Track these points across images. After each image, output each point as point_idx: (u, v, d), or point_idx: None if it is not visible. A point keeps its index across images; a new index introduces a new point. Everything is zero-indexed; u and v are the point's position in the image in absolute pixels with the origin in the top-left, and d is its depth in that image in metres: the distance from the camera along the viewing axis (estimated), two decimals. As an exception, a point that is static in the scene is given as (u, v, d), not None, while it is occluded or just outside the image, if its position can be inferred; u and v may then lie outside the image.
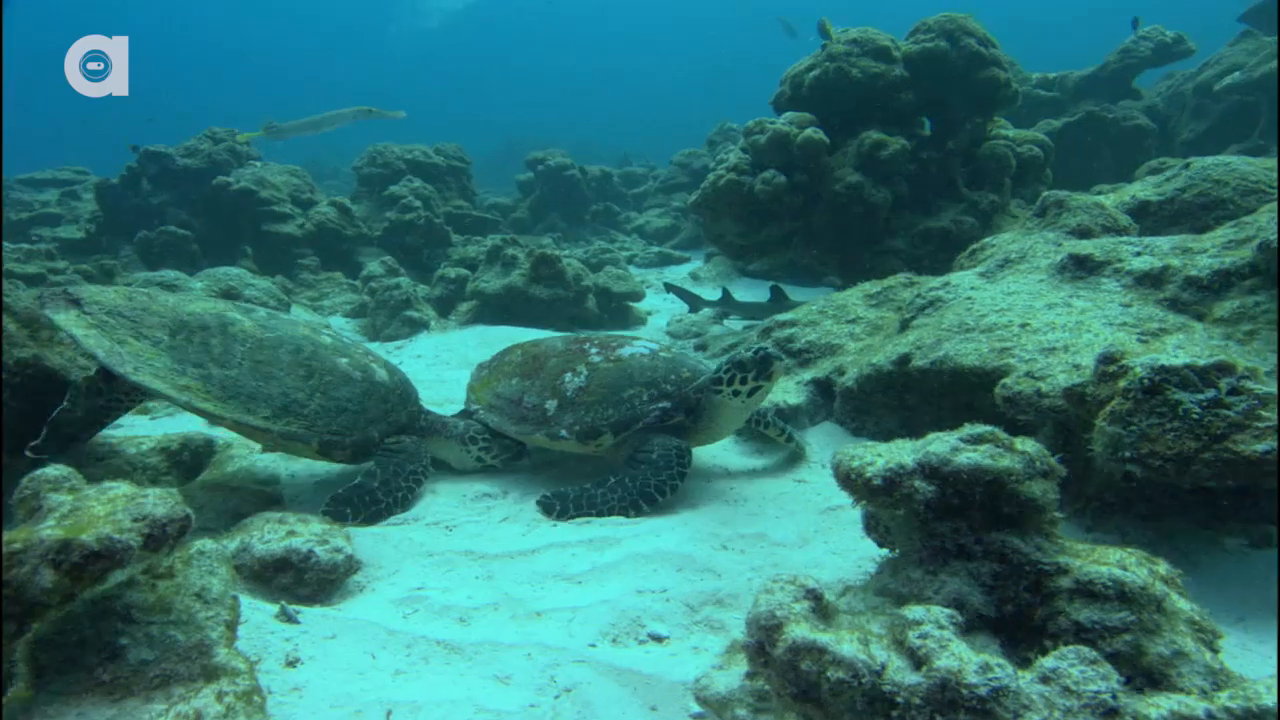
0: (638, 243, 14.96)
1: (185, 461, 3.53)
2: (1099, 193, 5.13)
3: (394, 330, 7.53)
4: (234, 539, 2.50)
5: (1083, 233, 3.74)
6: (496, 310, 8.01)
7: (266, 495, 3.15)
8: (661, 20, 73.30)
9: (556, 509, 3.18)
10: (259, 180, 8.92)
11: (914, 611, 1.79)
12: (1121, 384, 2.28)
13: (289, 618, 2.26)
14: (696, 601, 2.55)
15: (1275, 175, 3.99)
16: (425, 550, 2.84)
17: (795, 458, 3.89)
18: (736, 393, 3.28)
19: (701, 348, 6.59)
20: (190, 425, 4.06)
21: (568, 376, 3.61)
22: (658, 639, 2.40)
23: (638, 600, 2.54)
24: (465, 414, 3.90)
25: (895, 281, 4.77)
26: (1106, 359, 2.37)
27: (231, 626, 1.89)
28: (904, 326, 3.95)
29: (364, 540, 2.82)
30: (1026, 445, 2.00)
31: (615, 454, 3.54)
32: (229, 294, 5.68)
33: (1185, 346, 2.29)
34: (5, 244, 7.87)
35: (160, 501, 1.85)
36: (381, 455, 3.33)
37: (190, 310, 3.11)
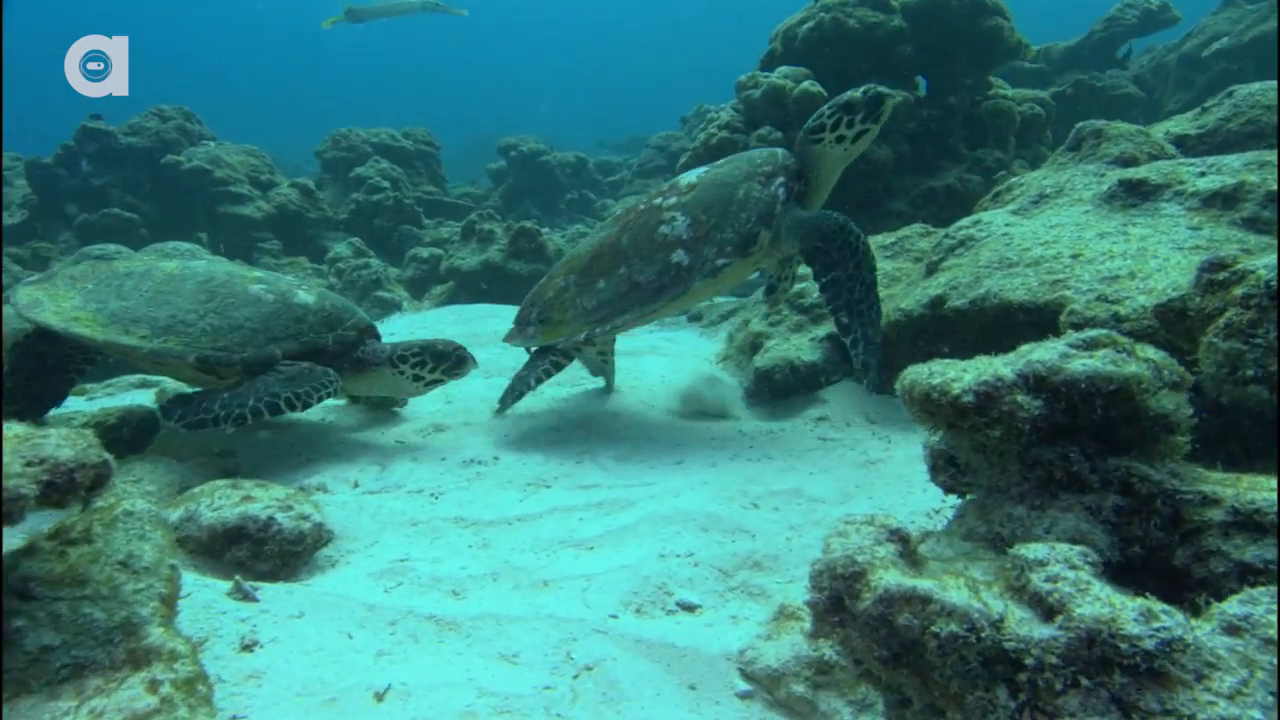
0: (617, 228, 14.55)
1: (125, 438, 3.06)
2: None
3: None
4: (178, 508, 2.05)
5: (1127, 161, 3.43)
6: (473, 289, 7.55)
7: (220, 467, 2.69)
8: (631, 9, 72.90)
9: None
10: (213, 159, 8.30)
11: (1034, 550, 1.42)
12: (1238, 291, 1.93)
13: (245, 595, 1.83)
14: (730, 565, 2.17)
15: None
16: (408, 519, 2.41)
17: (820, 417, 3.52)
18: (841, 138, 3.10)
19: (696, 318, 6.21)
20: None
21: (664, 229, 3.30)
22: (689, 608, 2.02)
23: (661, 565, 2.16)
24: (546, 351, 3.61)
25: (911, 232, 4.45)
26: (1214, 265, 2.02)
27: (168, 601, 1.45)
28: (931, 270, 3.60)
29: (334, 511, 2.39)
30: (1149, 351, 1.64)
31: (773, 254, 3.38)
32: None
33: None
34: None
35: (66, 443, 1.42)
36: (265, 374, 2.94)
37: (130, 265, 3.24)
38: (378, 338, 3.39)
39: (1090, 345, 1.64)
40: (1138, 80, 10.89)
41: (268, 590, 1.86)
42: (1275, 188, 2.66)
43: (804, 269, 3.78)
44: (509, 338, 3.73)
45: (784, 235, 3.26)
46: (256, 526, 1.96)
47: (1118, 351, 1.61)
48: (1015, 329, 3.03)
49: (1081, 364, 1.58)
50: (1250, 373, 1.90)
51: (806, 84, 5.88)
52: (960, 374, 1.72)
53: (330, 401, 3.16)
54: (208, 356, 2.92)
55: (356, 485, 2.69)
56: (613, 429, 3.44)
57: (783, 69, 6.11)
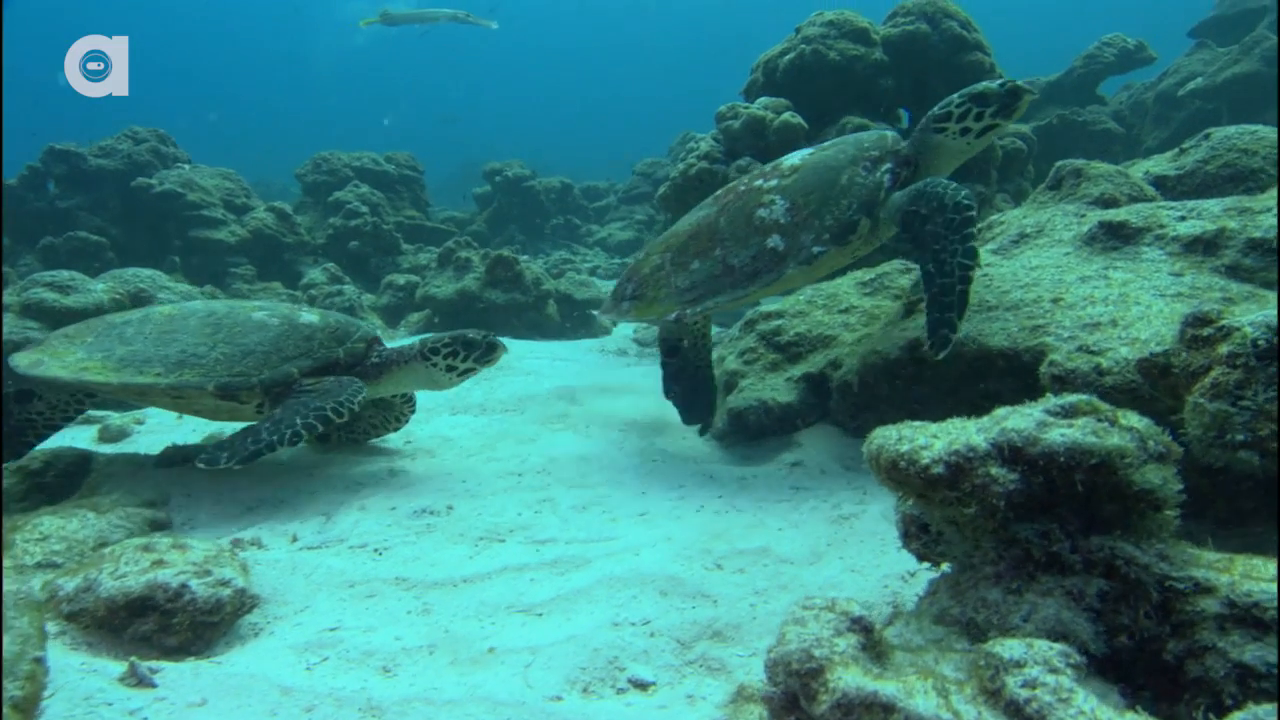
0: (600, 255, 14.48)
1: (50, 484, 2.88)
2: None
3: (336, 339, 6.85)
4: (76, 575, 1.87)
5: (1107, 202, 3.35)
6: (449, 317, 7.40)
7: (147, 519, 2.50)
8: (619, 37, 73.75)
9: None
10: (186, 183, 8.11)
11: (1010, 648, 1.28)
12: (1223, 349, 1.82)
13: (141, 680, 1.65)
14: (689, 635, 2.01)
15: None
16: (345, 579, 2.23)
17: (794, 462, 3.39)
18: (965, 130, 2.96)
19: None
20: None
21: (762, 212, 3.18)
22: (641, 685, 1.85)
23: (614, 635, 1.99)
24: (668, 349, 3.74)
25: (890, 268, 4.34)
26: (1197, 320, 1.91)
27: (24, 708, 1.27)
28: (910, 310, 3.49)
29: (265, 572, 2.21)
30: (1133, 419, 1.52)
31: (871, 242, 3.25)
32: (137, 298, 4.96)
33: (1293, 301, 1.87)
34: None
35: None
36: (292, 397, 3.00)
37: (124, 315, 3.30)
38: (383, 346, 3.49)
39: (1069, 412, 1.51)
40: (1117, 116, 11.01)
41: (170, 672, 1.68)
42: (1256, 235, 2.58)
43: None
44: (604, 310, 3.69)
45: (883, 222, 3.11)
46: (166, 596, 1.78)
47: (1099, 420, 1.49)
48: (995, 375, 2.93)
49: (1060, 434, 1.45)
50: (1239, 437, 1.77)
51: (787, 115, 5.83)
52: (931, 440, 1.59)
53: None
54: (226, 383, 2.99)
55: (295, 540, 2.50)
56: (577, 474, 3.28)
57: (763, 99, 6.07)
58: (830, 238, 3.07)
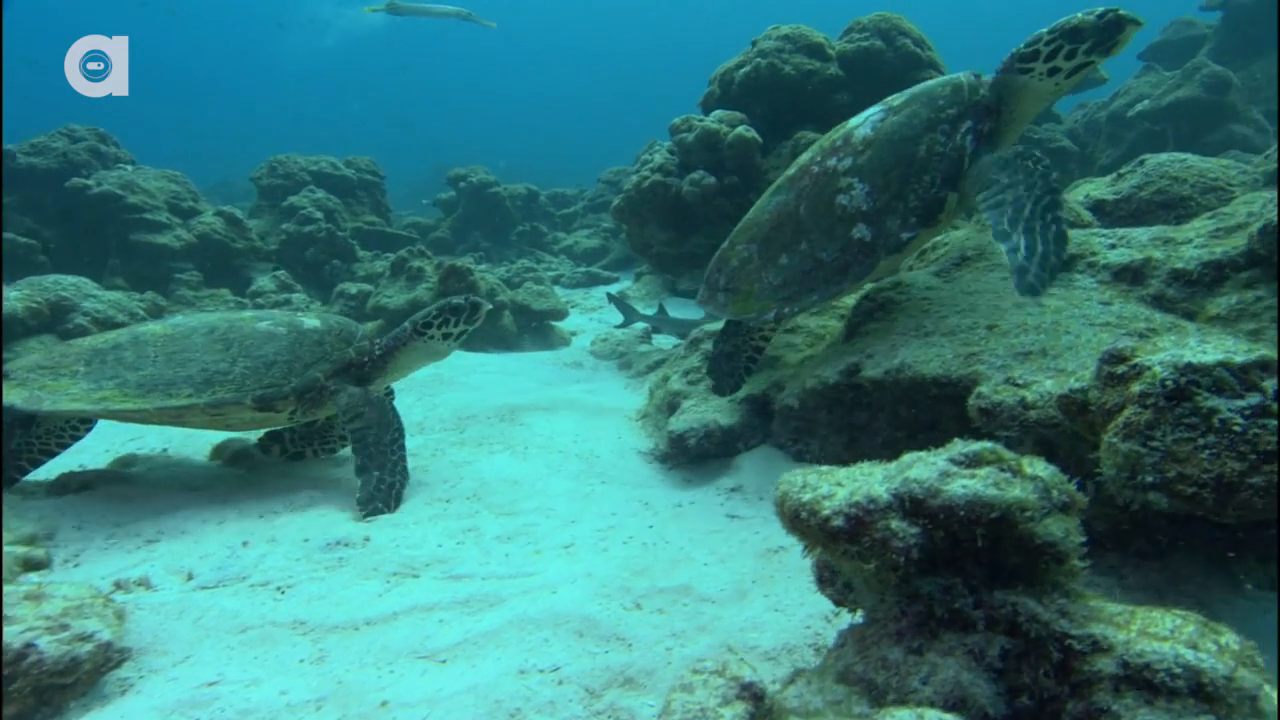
0: (566, 264, 14.36)
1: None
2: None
3: (281, 349, 6.64)
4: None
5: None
6: (402, 327, 7.21)
7: (19, 558, 2.32)
8: (586, 42, 73.74)
9: None
10: (126, 184, 7.79)
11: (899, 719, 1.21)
12: (1136, 388, 1.79)
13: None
14: (599, 683, 1.92)
15: (1230, 174, 3.71)
16: (238, 623, 2.10)
17: (733, 488, 3.32)
18: (1054, 70, 2.69)
19: (626, 365, 6.00)
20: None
21: (842, 199, 2.99)
22: (544, 740, 1.75)
23: (519, 684, 1.89)
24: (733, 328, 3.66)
25: (837, 288, 4.29)
26: (1113, 357, 1.87)
27: None
28: (851, 333, 3.45)
29: (147, 617, 2.06)
30: (1038, 468, 1.46)
31: (959, 213, 3.05)
32: (58, 308, 4.73)
33: (1209, 340, 1.84)
34: None
35: None
36: (354, 441, 3.21)
37: (103, 339, 3.27)
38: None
39: (973, 461, 1.45)
40: (1072, 134, 11.22)
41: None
42: (1178, 266, 2.57)
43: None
44: (701, 300, 3.56)
45: (970, 189, 2.86)
46: (6, 659, 1.63)
47: (1001, 470, 1.43)
48: (930, 402, 2.89)
49: (961, 486, 1.39)
50: (1149, 479, 1.74)
51: (741, 129, 5.80)
52: (834, 489, 1.52)
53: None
54: (262, 395, 3.13)
55: (190, 578, 2.34)
56: (508, 500, 3.17)
57: (718, 112, 6.03)
58: (917, 220, 2.87)
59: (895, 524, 1.40)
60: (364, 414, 3.25)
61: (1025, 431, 2.29)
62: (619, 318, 8.92)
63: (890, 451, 3.20)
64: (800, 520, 1.51)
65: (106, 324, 5.00)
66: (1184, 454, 1.70)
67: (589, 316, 9.98)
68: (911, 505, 1.41)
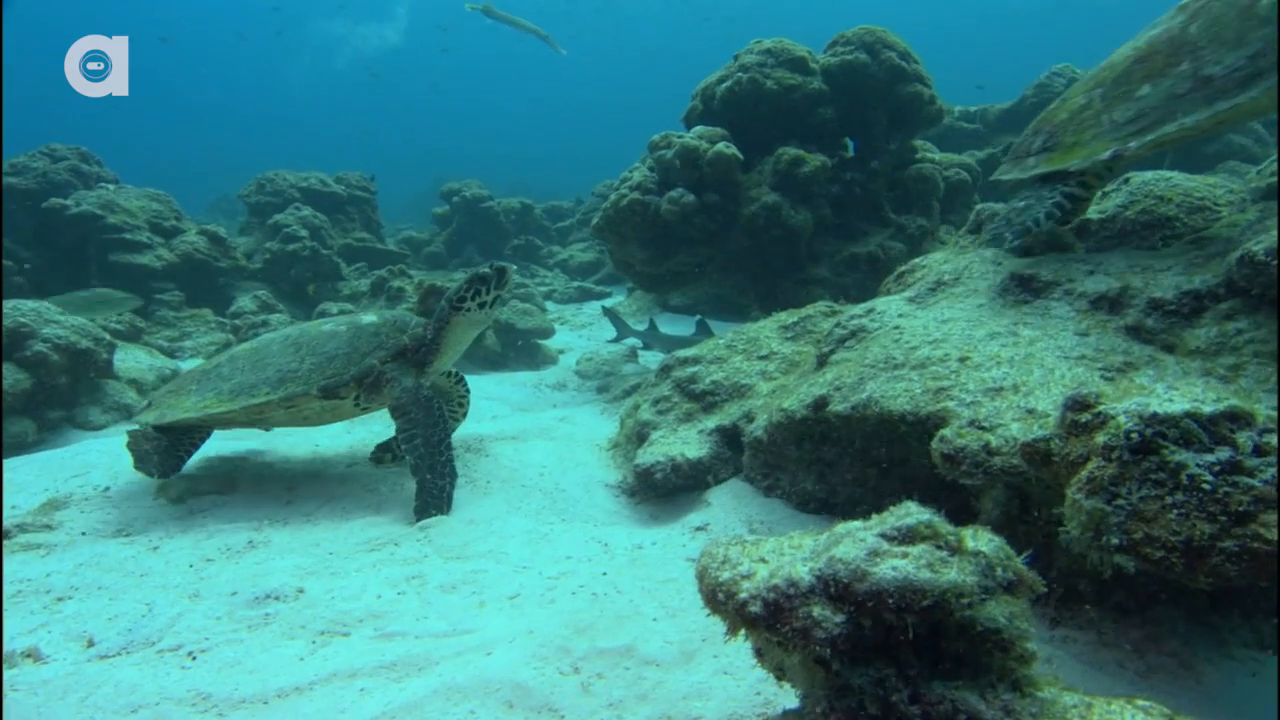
0: (560, 278, 14.25)
1: None
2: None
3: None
4: None
5: (1024, 250, 3.19)
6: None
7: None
8: (599, 45, 73.88)
9: None
10: (106, 204, 7.69)
11: None
12: (1100, 439, 1.63)
13: None
14: (525, 762, 1.75)
15: (1219, 193, 3.54)
16: (130, 701, 1.93)
17: (699, 526, 3.16)
18: None
19: (603, 389, 5.85)
20: None
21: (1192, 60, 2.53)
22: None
23: (437, 766, 1.73)
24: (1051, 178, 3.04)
25: (814, 310, 4.16)
26: (1076, 404, 1.72)
27: None
28: (821, 363, 3.30)
29: (24, 699, 1.90)
30: (981, 541, 1.31)
31: None
32: (15, 334, 4.58)
33: (1178, 386, 1.68)
34: None
35: None
36: (403, 441, 3.46)
37: (212, 361, 3.89)
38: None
39: (907, 537, 1.30)
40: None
41: None
42: (1156, 294, 2.42)
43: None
44: (1000, 174, 3.18)
45: None
46: None
47: (938, 548, 1.27)
48: (900, 439, 2.73)
49: (891, 568, 1.24)
50: (1115, 540, 1.58)
51: (721, 146, 5.67)
52: (754, 568, 1.37)
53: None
54: (326, 385, 3.50)
55: (91, 644, 2.18)
56: (459, 543, 3.01)
57: (698, 129, 5.91)
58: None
59: (817, 611, 1.25)
60: (411, 413, 3.49)
61: (991, 479, 2.13)
62: (609, 333, 8.80)
63: (862, 489, 3.06)
64: (718, 602, 1.36)
65: (69, 351, 4.87)
66: (1151, 513, 1.55)
67: (579, 333, 9.85)
68: (837, 589, 1.26)
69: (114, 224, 7.74)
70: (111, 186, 8.47)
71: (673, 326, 8.51)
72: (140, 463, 3.54)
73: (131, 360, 5.97)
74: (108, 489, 3.46)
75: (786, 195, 5.75)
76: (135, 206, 8.10)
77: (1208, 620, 2.07)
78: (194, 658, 2.15)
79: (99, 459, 3.83)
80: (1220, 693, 1.91)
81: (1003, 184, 3.30)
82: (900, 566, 1.24)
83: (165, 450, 3.56)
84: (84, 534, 2.97)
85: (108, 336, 5.27)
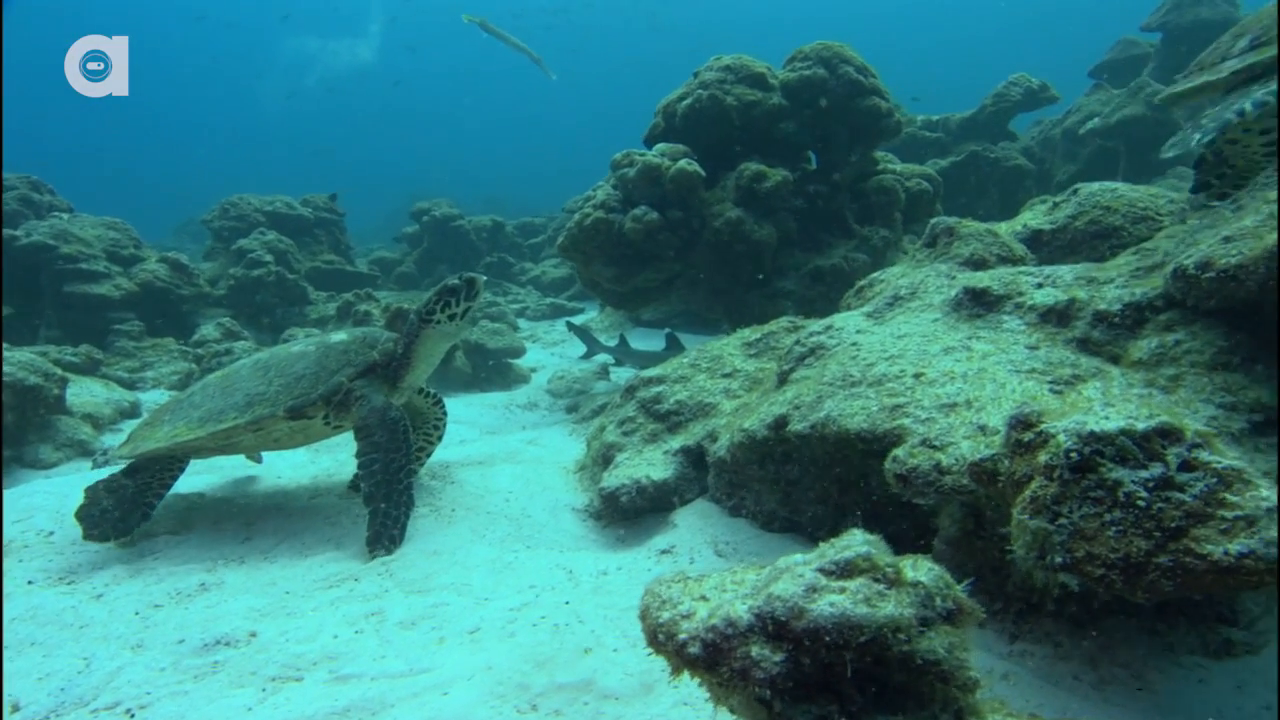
0: (533, 295, 14.20)
1: None
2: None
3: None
4: None
5: (977, 263, 3.24)
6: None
7: None
8: (571, 63, 74.13)
9: None
10: (59, 234, 7.52)
11: None
12: (1042, 458, 1.64)
13: None
14: (479, 808, 1.71)
15: (1160, 203, 3.63)
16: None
17: (665, 549, 3.14)
18: None
19: (572, 408, 5.82)
20: None
21: None
22: None
23: (387, 819, 1.67)
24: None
25: (778, 326, 4.17)
26: (1020, 423, 1.73)
27: None
28: (782, 381, 3.30)
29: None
30: (920, 571, 1.30)
31: None
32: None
33: (1115, 402, 1.71)
34: None
35: None
36: (361, 465, 3.40)
37: (187, 391, 3.84)
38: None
39: (845, 571, 1.29)
40: (1027, 152, 11.30)
41: None
42: (1101, 307, 2.46)
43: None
44: (1177, 86, 2.85)
45: None
46: None
47: (875, 582, 1.26)
48: (859, 457, 2.74)
49: (829, 604, 1.22)
50: (1059, 559, 1.58)
51: (683, 163, 5.70)
52: (694, 607, 1.35)
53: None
54: (292, 405, 3.44)
55: (16, 709, 2.08)
56: (422, 575, 2.96)
57: (660, 146, 5.93)
58: None
59: (756, 651, 1.23)
60: (374, 435, 3.40)
61: (944, 497, 2.14)
62: (581, 350, 8.76)
63: (825, 506, 3.05)
64: (659, 643, 1.34)
65: (15, 388, 4.74)
66: (1091, 531, 1.56)
67: (551, 351, 9.81)
68: (775, 627, 1.24)
69: (68, 254, 7.56)
70: (65, 215, 8.30)
71: (644, 341, 8.49)
72: (91, 528, 3.23)
73: (86, 394, 5.82)
74: (52, 533, 3.35)
75: (750, 210, 5.78)
76: (91, 235, 7.94)
77: (1155, 629, 2.08)
78: (132, 715, 2.07)
79: (44, 501, 3.71)
80: (1170, 702, 1.93)
81: (1179, 101, 2.90)
82: (837, 602, 1.23)
83: (130, 500, 3.37)
84: (17, 585, 2.85)
85: (58, 371, 5.12)
